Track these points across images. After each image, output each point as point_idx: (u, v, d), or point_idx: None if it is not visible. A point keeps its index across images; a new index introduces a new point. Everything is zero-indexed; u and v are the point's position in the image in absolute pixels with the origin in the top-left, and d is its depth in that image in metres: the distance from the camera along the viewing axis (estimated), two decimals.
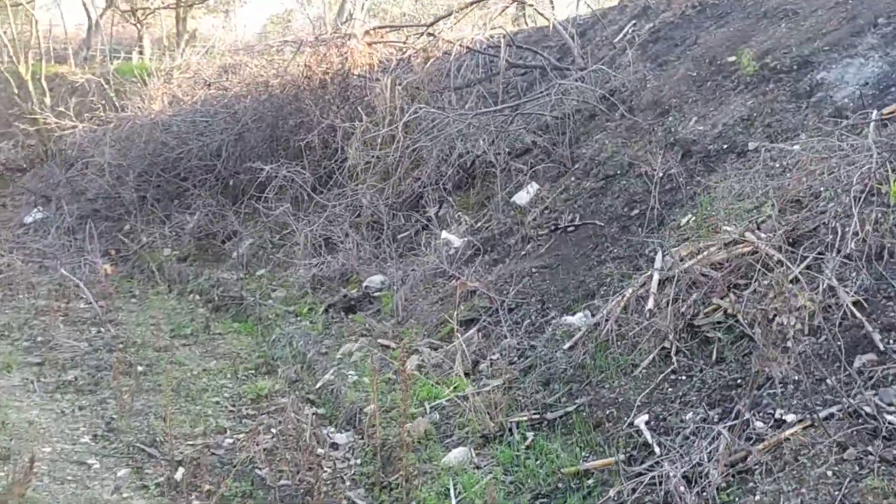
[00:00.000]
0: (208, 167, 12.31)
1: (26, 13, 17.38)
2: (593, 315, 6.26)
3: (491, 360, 6.45)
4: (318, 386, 6.97)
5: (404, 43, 10.88)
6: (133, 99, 13.48)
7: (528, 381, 5.93)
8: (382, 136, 9.47)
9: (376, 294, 8.59)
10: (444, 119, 9.00)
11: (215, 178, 12.12)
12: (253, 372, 7.56)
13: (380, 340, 7.47)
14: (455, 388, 6.17)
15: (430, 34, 10.21)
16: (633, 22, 10.66)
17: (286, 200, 10.73)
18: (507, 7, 10.82)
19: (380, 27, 11.31)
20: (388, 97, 9.62)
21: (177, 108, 13.16)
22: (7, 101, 18.54)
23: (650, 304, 5.67)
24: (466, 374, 6.36)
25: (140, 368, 7.35)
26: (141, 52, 25.16)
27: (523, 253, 7.81)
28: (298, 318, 8.53)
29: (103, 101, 14.08)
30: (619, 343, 5.67)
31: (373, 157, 9.66)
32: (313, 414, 6.53)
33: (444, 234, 8.63)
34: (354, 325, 7.98)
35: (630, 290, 6.00)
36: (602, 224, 7.48)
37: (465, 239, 8.51)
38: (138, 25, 28.16)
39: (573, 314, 6.47)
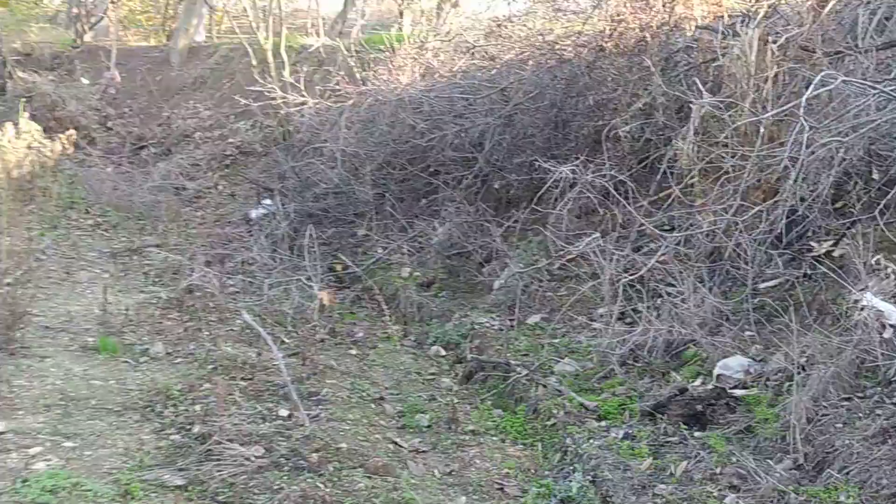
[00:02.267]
0: (466, 161, 9.17)
1: None
2: None
3: None
4: None
5: None
6: (377, 70, 10.58)
7: None
8: (745, 126, 5.87)
9: (736, 391, 5.04)
10: (862, 97, 5.26)
11: (474, 177, 8.95)
12: None
13: None
14: None
15: None
16: None
17: (578, 215, 7.40)
18: None
19: None
20: (754, 62, 5.98)
21: (430, 81, 10.13)
22: (248, 76, 16.43)
23: None
24: None
25: None
26: (400, 29, 22.71)
27: None
28: (602, 423, 5.12)
29: (342, 74, 11.29)
30: None
31: (721, 156, 6.08)
32: None
33: (867, 297, 4.87)
34: (709, 458, 4.47)
35: None
36: None
37: None
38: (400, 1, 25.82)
39: None
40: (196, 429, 5.00)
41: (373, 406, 5.74)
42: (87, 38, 21.84)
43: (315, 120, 10.41)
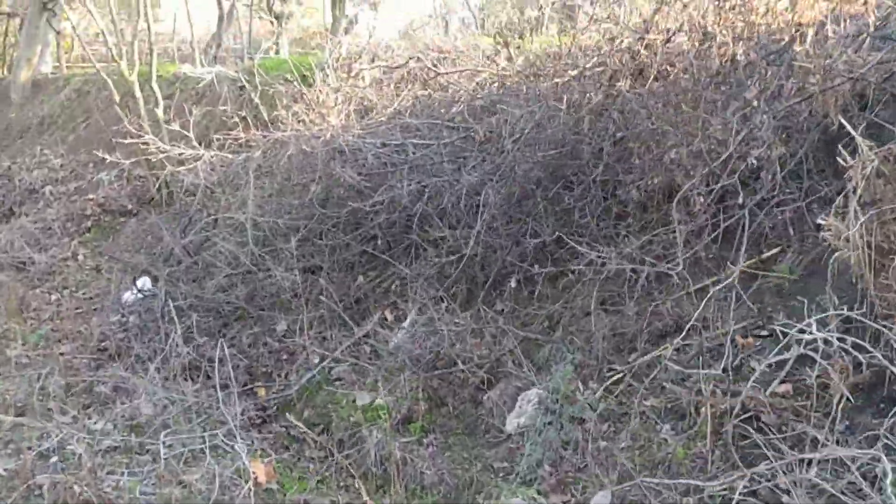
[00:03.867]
0: (431, 232, 6.62)
1: None
2: None
3: None
4: None
5: None
6: (291, 108, 7.86)
7: None
8: None
9: None
10: None
11: (451, 258, 6.37)
12: None
13: None
14: None
15: None
16: None
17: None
18: None
19: None
20: None
21: (368, 121, 7.48)
22: (110, 115, 13.41)
23: None
24: None
25: None
26: (277, 52, 19.88)
27: None
28: None
29: (240, 113, 8.50)
30: None
31: None
32: None
33: None
34: None
35: None
36: None
37: None
38: (274, 21, 22.82)
39: None
40: None
41: None
42: None
43: (211, 178, 7.58)
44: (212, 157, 7.60)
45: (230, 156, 7.73)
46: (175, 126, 8.01)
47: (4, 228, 11.75)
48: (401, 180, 6.86)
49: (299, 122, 7.41)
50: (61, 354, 7.79)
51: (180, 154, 7.57)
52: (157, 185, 10.15)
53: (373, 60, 7.72)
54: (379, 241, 7.24)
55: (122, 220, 11.77)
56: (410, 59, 7.26)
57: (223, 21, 19.47)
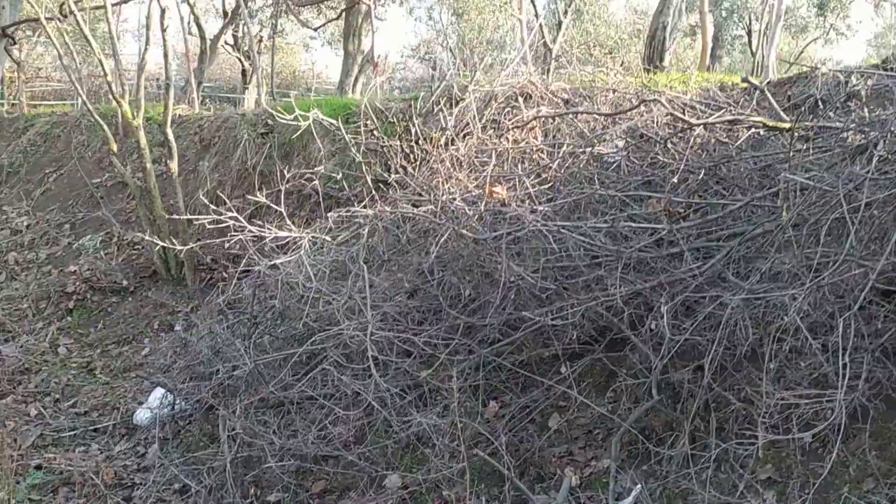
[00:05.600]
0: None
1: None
2: None
3: None
4: None
5: None
6: (405, 168, 5.47)
7: None
8: None
9: None
10: None
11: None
12: None
13: None
14: None
15: None
16: None
17: None
18: None
19: None
20: None
21: (541, 190, 5.15)
22: (94, 165, 10.89)
23: None
24: None
25: None
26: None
27: None
28: None
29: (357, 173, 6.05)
30: None
31: None
32: None
33: None
34: None
35: None
36: None
37: None
38: (242, 58, 20.24)
39: None
40: None
41: None
42: None
43: (282, 276, 4.97)
44: (311, 238, 5.10)
45: (329, 238, 5.27)
46: (262, 197, 5.38)
47: None
48: (607, 280, 4.58)
49: (438, 190, 5.04)
50: None
51: (273, 236, 5.04)
52: (165, 253, 7.74)
53: (526, 101, 5.38)
54: (563, 368, 4.95)
55: (114, 300, 9.19)
56: (643, 101, 4.94)
57: (206, 55, 17.04)
